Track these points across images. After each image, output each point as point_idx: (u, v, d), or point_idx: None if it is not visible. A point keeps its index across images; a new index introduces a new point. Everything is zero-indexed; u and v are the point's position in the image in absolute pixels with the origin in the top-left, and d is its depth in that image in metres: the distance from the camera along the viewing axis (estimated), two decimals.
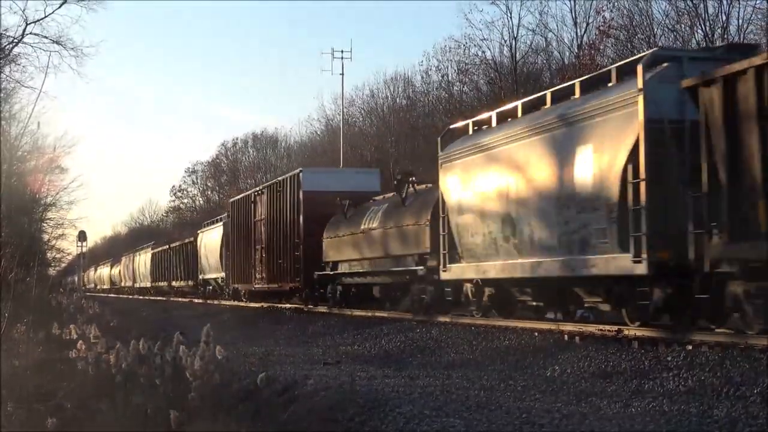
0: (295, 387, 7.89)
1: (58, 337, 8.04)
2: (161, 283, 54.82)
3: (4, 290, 10.50)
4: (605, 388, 9.30)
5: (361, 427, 7.31)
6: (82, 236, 46.59)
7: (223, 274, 37.54)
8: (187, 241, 47.60)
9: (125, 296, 65.95)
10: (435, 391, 9.25)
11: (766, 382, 8.48)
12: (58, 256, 50.32)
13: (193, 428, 6.05)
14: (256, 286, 30.68)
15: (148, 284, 59.52)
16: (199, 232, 44.42)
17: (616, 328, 12.47)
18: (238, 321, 26.24)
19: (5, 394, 6.29)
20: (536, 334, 13.51)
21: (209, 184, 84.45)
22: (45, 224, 43.64)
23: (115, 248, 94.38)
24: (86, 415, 6.24)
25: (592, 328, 12.94)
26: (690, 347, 10.55)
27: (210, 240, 40.84)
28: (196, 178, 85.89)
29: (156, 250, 57.35)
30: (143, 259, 62.02)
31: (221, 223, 38.53)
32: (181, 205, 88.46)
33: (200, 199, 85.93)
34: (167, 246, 53.13)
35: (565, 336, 12.86)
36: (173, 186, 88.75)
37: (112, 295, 71.33)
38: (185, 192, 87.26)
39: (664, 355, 10.45)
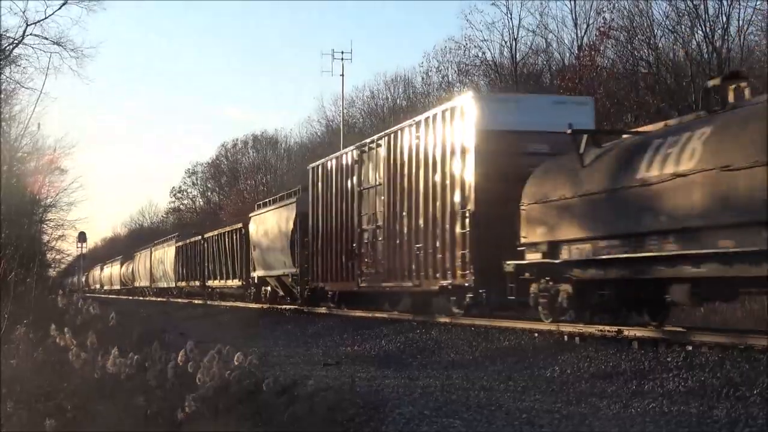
0: (294, 388, 7.89)
1: (54, 339, 8.03)
2: (190, 284, 44.75)
3: (4, 291, 10.51)
4: (605, 388, 9.31)
5: (361, 427, 7.31)
6: (82, 237, 46.56)
7: (293, 270, 27.26)
8: (232, 228, 37.07)
9: (137, 298, 57.55)
10: (435, 391, 9.26)
11: (766, 382, 8.48)
12: (58, 257, 50.43)
13: (192, 428, 6.06)
14: (365, 285, 21.29)
15: (172, 284, 49.24)
16: (251, 215, 33.14)
17: (616, 328, 12.46)
18: (237, 321, 26.23)
19: (5, 394, 6.30)
20: (536, 334, 13.51)
21: (209, 185, 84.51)
22: (45, 225, 43.79)
23: (115, 249, 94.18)
24: (86, 416, 6.25)
25: (592, 329, 12.94)
26: (690, 348, 10.56)
27: (272, 224, 29.94)
28: (196, 179, 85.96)
29: (183, 243, 46.69)
30: (164, 255, 51.24)
31: (292, 200, 27.98)
32: (181, 206, 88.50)
33: (200, 200, 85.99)
34: (200, 237, 42.73)
35: (565, 336, 12.86)
36: (173, 187, 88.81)
37: (119, 297, 64.91)
38: (185, 193, 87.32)
39: (663, 356, 10.46)
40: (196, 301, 41.56)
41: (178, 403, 6.25)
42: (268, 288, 31.58)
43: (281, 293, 30.38)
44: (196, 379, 6.62)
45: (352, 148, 22.75)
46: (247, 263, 33.63)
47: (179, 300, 45.14)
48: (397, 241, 19.42)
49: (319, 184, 25.03)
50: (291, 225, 27.42)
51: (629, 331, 12.20)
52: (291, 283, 28.31)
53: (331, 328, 19.73)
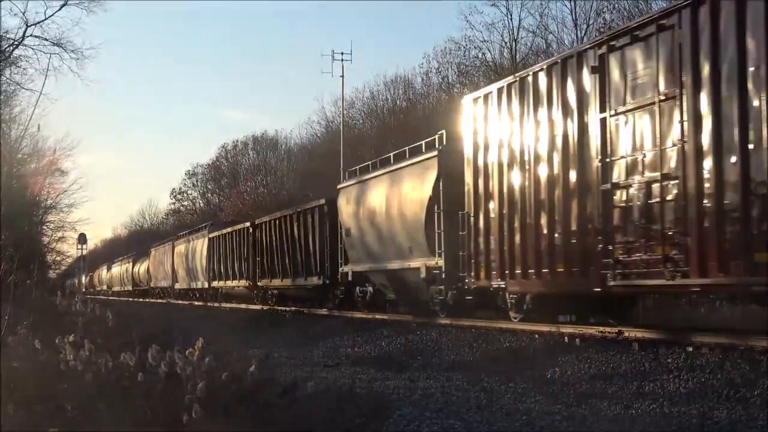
0: (295, 389, 7.89)
1: (52, 343, 8.04)
2: (233, 284, 35.85)
3: (4, 293, 10.52)
4: (605, 389, 9.31)
5: (362, 428, 7.31)
6: (82, 239, 46.58)
7: (432, 261, 17.77)
8: (307, 207, 26.93)
9: (153, 301, 51.23)
10: (435, 393, 9.26)
11: (767, 383, 8.48)
12: (58, 258, 50.53)
13: (192, 429, 6.06)
14: (623, 282, 12.07)
15: (203, 285, 40.69)
16: (342, 186, 23.81)
17: (616, 329, 12.46)
18: (238, 323, 26.22)
19: (5, 396, 6.31)
20: (536, 336, 13.51)
21: (209, 186, 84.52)
22: (45, 227, 43.88)
23: (115, 250, 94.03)
24: (86, 417, 6.25)
25: (592, 330, 12.94)
26: (690, 349, 10.57)
27: (387, 194, 20.30)
28: (196, 181, 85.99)
29: (218, 234, 38.07)
30: (192, 250, 43.02)
31: (430, 155, 18.29)
32: (181, 207, 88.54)
33: (200, 201, 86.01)
34: (248, 224, 33.97)
35: (565, 338, 12.86)
36: (173, 188, 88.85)
37: (129, 299, 59.51)
38: (185, 194, 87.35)
39: (664, 357, 10.46)
40: (196, 303, 41.18)
41: (177, 404, 6.25)
42: (369, 288, 22.29)
43: (391, 296, 21.33)
44: (194, 380, 6.61)
45: (584, 46, 13.75)
46: (333, 255, 24.46)
47: (212, 304, 38.45)
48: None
49: (488, 122, 15.63)
50: (428, 192, 17.91)
51: (630, 332, 12.21)
52: (423, 280, 18.41)
53: (331, 329, 19.72)
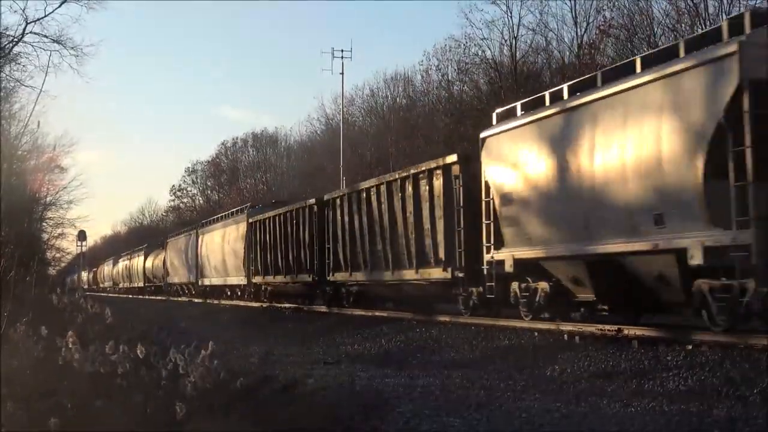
0: (295, 386, 7.89)
1: (51, 339, 8.04)
2: (289, 278, 27.67)
3: (4, 290, 10.51)
4: (605, 387, 9.31)
5: (361, 425, 7.31)
6: (81, 236, 46.49)
7: (725, 237, 10.27)
8: (420, 170, 18.71)
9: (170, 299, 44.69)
10: (435, 390, 9.26)
11: (766, 382, 8.48)
12: (57, 255, 50.53)
13: (191, 428, 6.05)
14: None
15: (242, 281, 33.53)
16: (488, 134, 15.83)
17: (615, 327, 12.47)
18: (237, 320, 26.20)
19: (5, 393, 6.31)
20: (536, 333, 13.51)
21: (209, 183, 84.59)
22: (44, 224, 43.89)
23: (115, 247, 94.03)
24: (85, 414, 6.26)
25: (591, 328, 12.93)
26: (690, 347, 10.57)
27: (594, 133, 12.54)
28: (196, 178, 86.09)
29: (264, 217, 30.49)
30: (224, 239, 35.82)
31: (720, 53, 10.26)
32: (180, 204, 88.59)
33: (200, 198, 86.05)
34: (312, 201, 25.78)
35: (565, 336, 12.86)
36: (173, 186, 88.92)
37: (137, 297, 57.19)
38: (185, 191, 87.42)
39: (663, 355, 10.46)
40: (196, 300, 40.89)
41: (176, 401, 6.25)
42: (543, 285, 14.56)
43: (588, 296, 13.82)
44: (192, 378, 6.61)
45: None
46: (470, 236, 16.55)
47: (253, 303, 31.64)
48: None
49: None
50: (715, 116, 10.36)
51: (629, 330, 12.21)
52: (681, 271, 11.24)
53: (331, 326, 19.71)
